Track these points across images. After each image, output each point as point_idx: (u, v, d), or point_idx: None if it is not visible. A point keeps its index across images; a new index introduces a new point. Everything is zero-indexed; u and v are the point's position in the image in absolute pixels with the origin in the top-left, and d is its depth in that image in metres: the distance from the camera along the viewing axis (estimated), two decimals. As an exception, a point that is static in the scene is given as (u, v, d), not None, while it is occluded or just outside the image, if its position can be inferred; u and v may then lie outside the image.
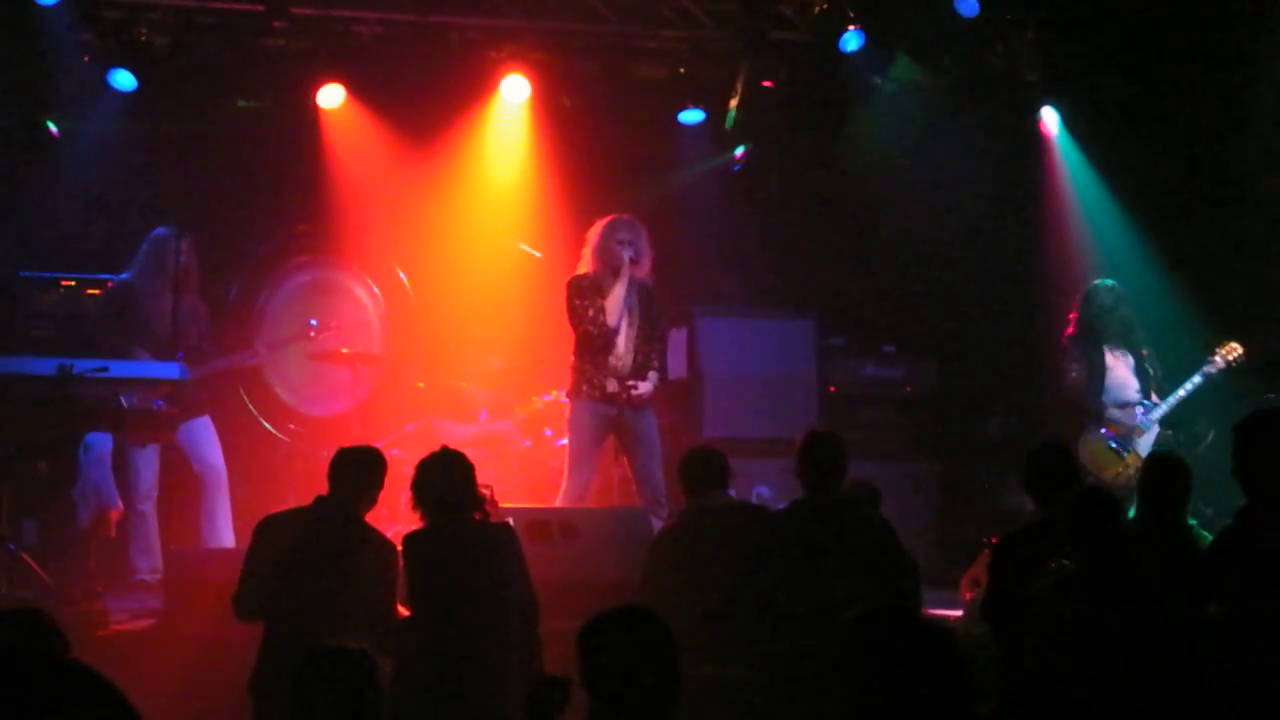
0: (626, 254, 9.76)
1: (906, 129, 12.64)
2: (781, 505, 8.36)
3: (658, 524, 9.20)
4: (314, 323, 11.17)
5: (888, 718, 4.20)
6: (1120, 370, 10.37)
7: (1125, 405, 10.26)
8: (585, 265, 9.92)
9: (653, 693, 4.41)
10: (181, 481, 10.40)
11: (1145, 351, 10.43)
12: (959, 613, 8.71)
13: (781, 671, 6.84)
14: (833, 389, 12.44)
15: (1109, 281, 10.55)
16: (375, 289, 12.41)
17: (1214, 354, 10.17)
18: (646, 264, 9.94)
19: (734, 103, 12.79)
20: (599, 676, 4.43)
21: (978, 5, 11.68)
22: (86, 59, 11.68)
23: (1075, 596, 6.06)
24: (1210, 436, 10.36)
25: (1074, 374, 10.38)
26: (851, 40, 12.10)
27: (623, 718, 4.44)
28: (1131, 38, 11.81)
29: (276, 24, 11.75)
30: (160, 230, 10.39)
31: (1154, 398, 10.28)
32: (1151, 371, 10.40)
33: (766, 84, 12.82)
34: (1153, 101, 11.87)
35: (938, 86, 12.49)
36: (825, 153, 13.18)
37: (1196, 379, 10.17)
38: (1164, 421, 10.22)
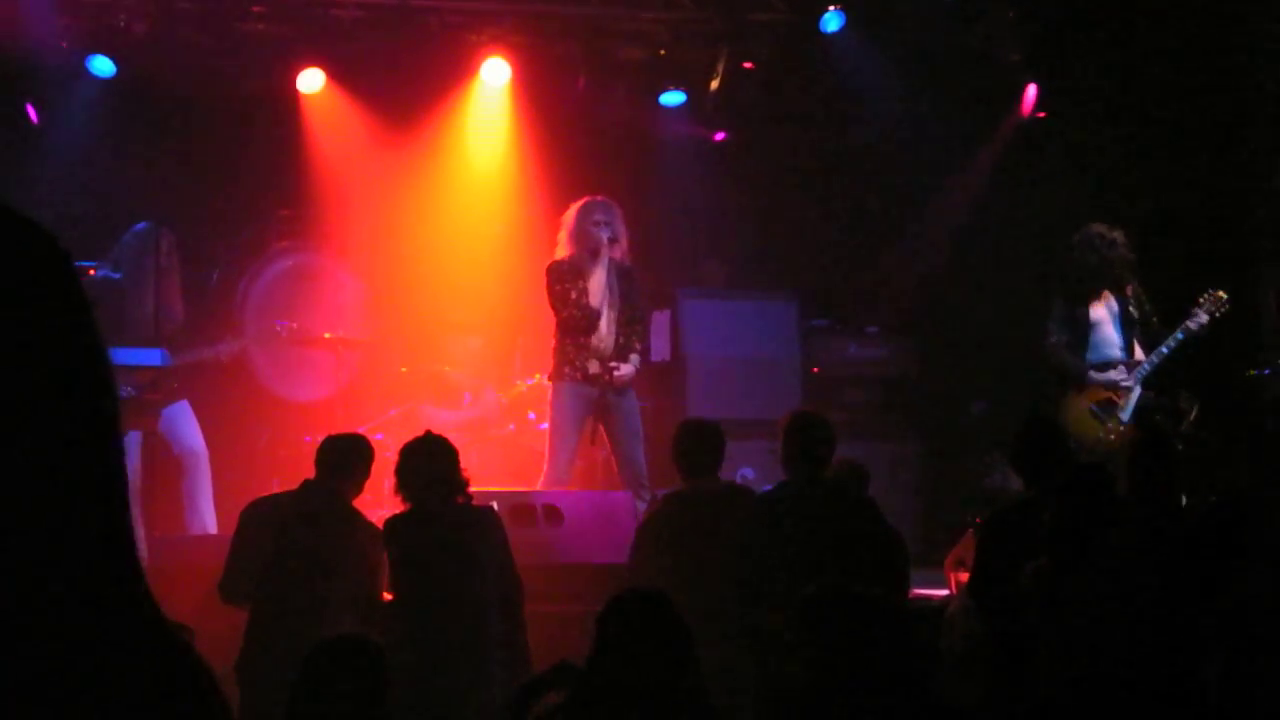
0: (604, 234, 9.74)
1: (888, 109, 12.64)
2: (766, 487, 8.36)
3: (640, 506, 9.20)
4: (282, 324, 11.11)
5: (839, 693, 4.23)
6: (1105, 326, 10.20)
7: (1108, 364, 10.15)
8: (562, 249, 9.89)
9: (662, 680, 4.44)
10: (163, 467, 10.37)
11: (1130, 290, 10.23)
12: (943, 592, 8.73)
13: (767, 654, 6.85)
14: (816, 370, 12.43)
15: (1097, 226, 10.37)
16: (357, 274, 12.37)
17: (1197, 306, 9.99)
18: (624, 245, 9.93)
19: (715, 84, 12.80)
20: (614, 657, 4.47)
21: (958, -16, 11.70)
22: (65, 45, 11.65)
23: (1061, 586, 6.08)
24: (1194, 413, 10.34)
25: (1055, 336, 10.27)
26: (832, 20, 12.10)
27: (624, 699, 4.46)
28: (1113, 14, 11.81)
29: (255, 8, 11.74)
30: (141, 225, 10.34)
31: (1138, 351, 10.15)
32: (1137, 313, 10.21)
33: (747, 65, 12.82)
34: (1135, 79, 11.88)
35: (918, 66, 12.48)
36: (807, 133, 13.18)
37: (1179, 335, 9.98)
38: (1146, 382, 10.12)
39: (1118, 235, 10.21)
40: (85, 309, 1.48)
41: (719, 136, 13.48)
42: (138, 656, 1.46)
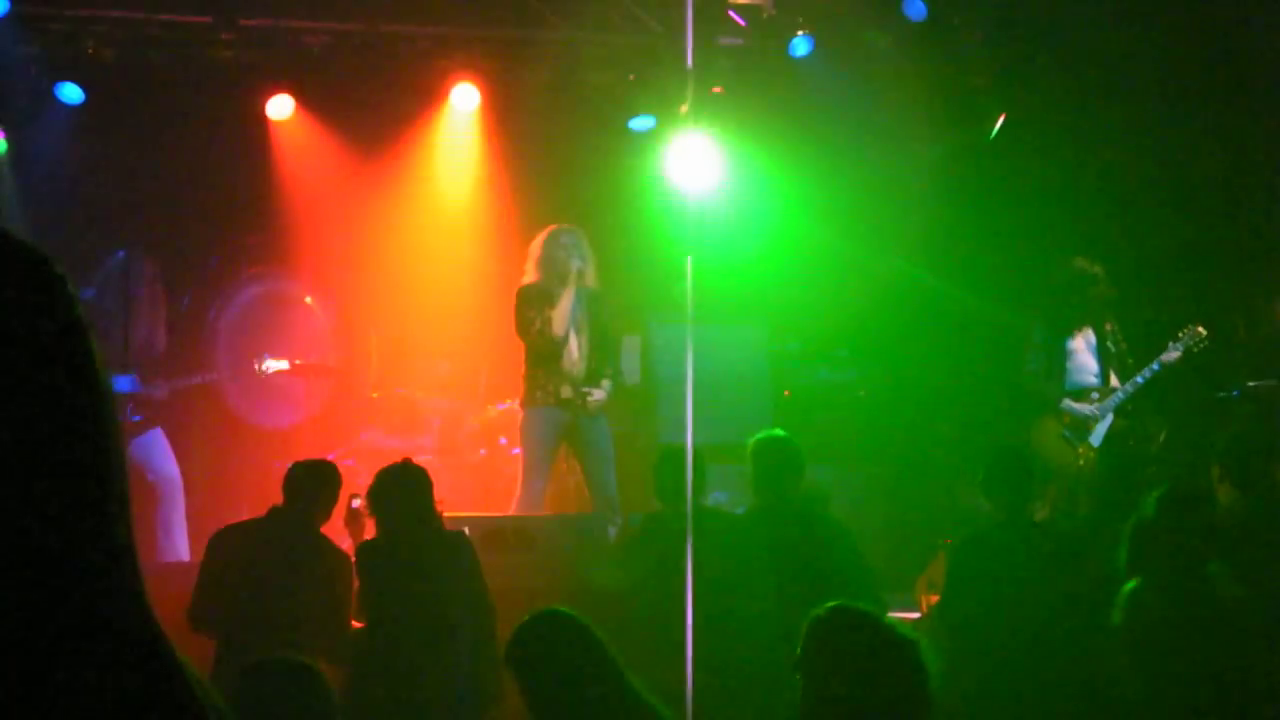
0: (574, 264, 9.75)
1: (857, 132, 12.67)
2: (739, 510, 8.37)
3: (611, 531, 9.20)
4: (273, 363, 11.05)
5: (848, 714, 4.24)
6: (1082, 354, 10.28)
7: (1083, 391, 10.21)
8: (530, 277, 9.91)
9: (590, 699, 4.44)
10: (135, 495, 10.30)
11: (1110, 326, 10.30)
12: (915, 615, 8.74)
13: (742, 675, 6.85)
14: (787, 393, 12.44)
15: (1079, 261, 10.43)
16: (327, 300, 12.35)
17: (1177, 339, 10.05)
18: (592, 271, 9.94)
19: (684, 108, 12.81)
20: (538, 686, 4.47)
21: (926, 9, 11.71)
22: (34, 72, 11.63)
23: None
24: (1162, 436, 10.39)
25: (1031, 365, 10.33)
26: (800, 45, 12.13)
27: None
28: (1081, 37, 11.86)
29: (225, 35, 11.71)
30: (121, 253, 10.34)
31: (1114, 379, 10.22)
32: (1114, 349, 10.29)
33: (716, 90, 12.84)
34: (1103, 102, 11.93)
35: (887, 91, 12.51)
36: (774, 158, 13.18)
37: (1155, 367, 10.07)
38: (1119, 410, 10.17)
39: (1099, 271, 10.29)
40: (85, 331, 1.49)
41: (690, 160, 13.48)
42: (141, 675, 1.46)
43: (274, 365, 11.03)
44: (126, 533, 1.51)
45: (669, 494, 7.60)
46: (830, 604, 4.59)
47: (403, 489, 7.04)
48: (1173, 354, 10.03)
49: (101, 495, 1.48)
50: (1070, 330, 10.31)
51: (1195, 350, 10.03)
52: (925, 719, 4.26)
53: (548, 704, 4.51)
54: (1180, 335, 10.07)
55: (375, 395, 11.87)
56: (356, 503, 7.69)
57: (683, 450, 7.81)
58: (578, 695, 4.48)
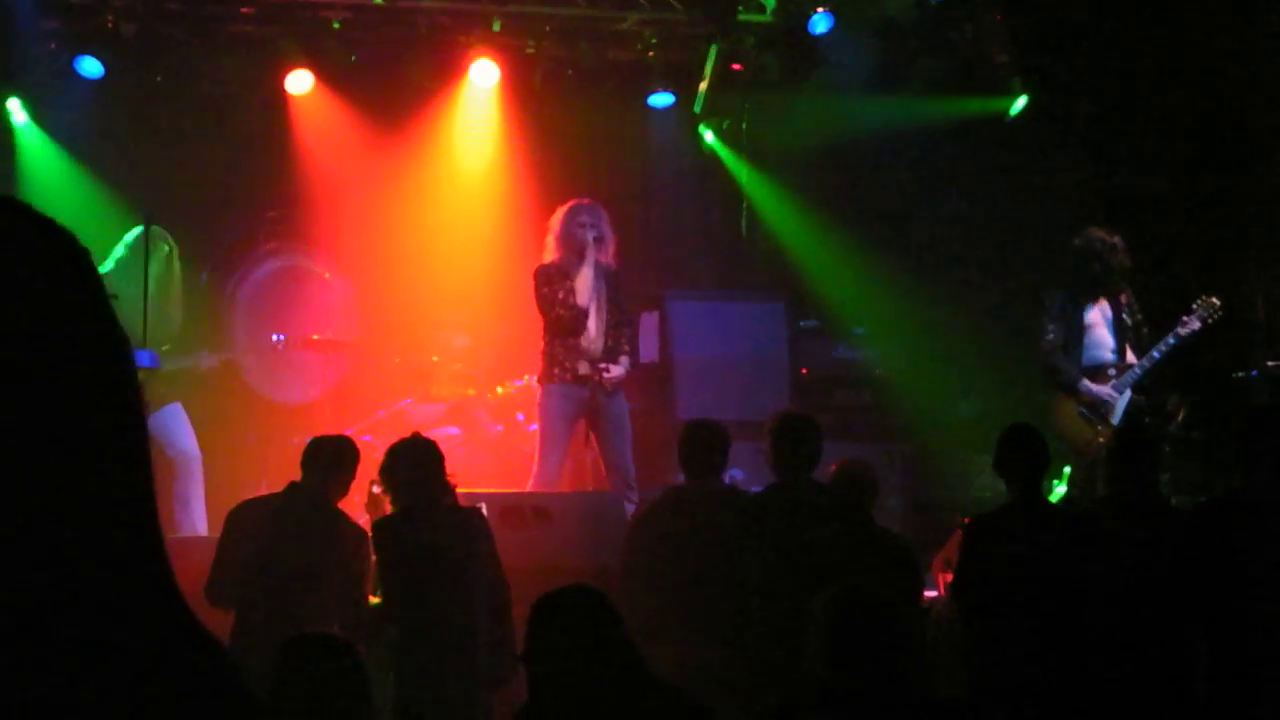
0: (590, 235, 9.75)
1: (876, 110, 12.65)
2: (756, 488, 8.37)
3: (629, 508, 9.20)
4: (280, 338, 11.05)
5: (855, 689, 4.27)
6: (1099, 329, 10.18)
7: (1100, 367, 10.13)
8: (550, 253, 9.90)
9: (598, 672, 4.44)
10: (154, 469, 10.30)
11: (1125, 298, 10.21)
12: (933, 593, 8.74)
13: (755, 653, 6.85)
14: (804, 371, 12.42)
15: (1097, 231, 10.35)
16: (345, 275, 12.35)
17: (1191, 311, 9.96)
18: (611, 246, 9.94)
19: (703, 85, 12.81)
20: (547, 652, 4.47)
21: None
22: (53, 46, 11.65)
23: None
24: (1181, 415, 10.35)
25: (1050, 336, 10.23)
26: (820, 22, 12.10)
27: (566, 695, 4.47)
28: (1101, 15, 11.83)
29: (244, 10, 11.73)
30: (139, 228, 10.35)
31: (1130, 355, 10.13)
32: (1129, 321, 10.20)
33: (736, 66, 12.83)
34: (1123, 80, 11.91)
35: (907, 68, 12.49)
36: (795, 134, 13.17)
37: (1171, 340, 9.95)
38: (1137, 386, 10.10)
39: (1117, 240, 10.20)
40: (108, 307, 1.50)
41: (707, 136, 13.50)
42: (173, 650, 1.47)
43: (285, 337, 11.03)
44: (150, 506, 1.52)
45: (692, 469, 7.59)
46: (838, 584, 4.61)
47: (411, 462, 7.03)
48: (1188, 327, 9.92)
49: (125, 470, 1.49)
50: (1087, 301, 10.22)
51: (1210, 321, 9.93)
52: (923, 692, 4.29)
53: (557, 675, 4.50)
54: (1194, 307, 9.97)
55: (398, 360, 11.86)
56: (377, 488, 7.70)
57: (707, 426, 7.81)
58: (590, 670, 4.48)
